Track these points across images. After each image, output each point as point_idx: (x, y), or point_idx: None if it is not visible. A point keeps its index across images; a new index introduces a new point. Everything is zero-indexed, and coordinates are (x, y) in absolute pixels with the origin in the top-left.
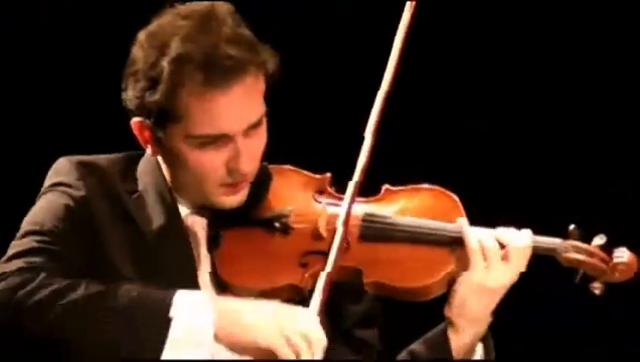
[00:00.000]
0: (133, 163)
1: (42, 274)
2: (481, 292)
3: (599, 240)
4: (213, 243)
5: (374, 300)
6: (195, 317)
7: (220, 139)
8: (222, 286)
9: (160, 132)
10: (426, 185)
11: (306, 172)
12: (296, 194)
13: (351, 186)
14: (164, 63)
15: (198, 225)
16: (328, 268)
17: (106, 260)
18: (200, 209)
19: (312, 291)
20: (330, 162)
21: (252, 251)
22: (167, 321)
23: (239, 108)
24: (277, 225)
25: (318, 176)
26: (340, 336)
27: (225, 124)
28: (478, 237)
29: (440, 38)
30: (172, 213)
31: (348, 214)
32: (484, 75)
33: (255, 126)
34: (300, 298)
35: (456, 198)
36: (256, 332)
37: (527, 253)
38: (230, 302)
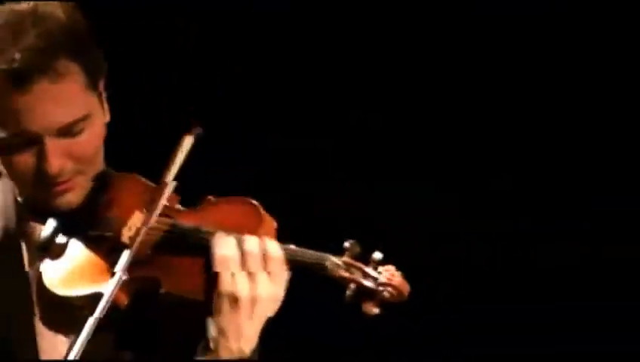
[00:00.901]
0: None
1: None
2: (231, 303)
3: (376, 256)
4: (41, 251)
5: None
6: None
7: (25, 140)
8: (46, 296)
9: None
10: (240, 198)
11: (147, 182)
12: (127, 202)
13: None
14: None
15: (37, 234)
16: (96, 313)
17: None
18: (43, 214)
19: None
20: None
21: (74, 259)
22: None
23: (40, 110)
24: (92, 234)
25: (155, 186)
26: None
27: (25, 123)
28: (221, 243)
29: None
30: (10, 228)
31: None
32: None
33: (69, 129)
34: (117, 306)
35: (259, 210)
36: None
37: (278, 262)
38: None
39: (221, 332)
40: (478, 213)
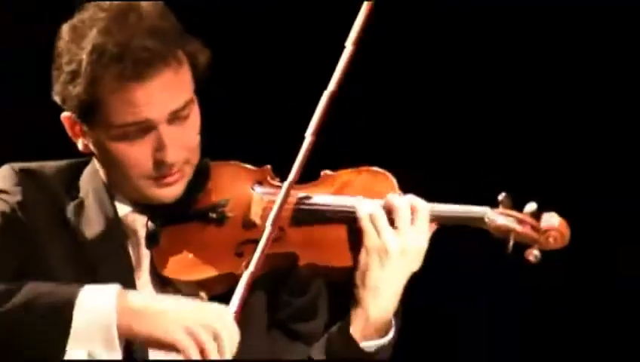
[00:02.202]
0: (79, 170)
1: None
2: (380, 257)
3: (530, 207)
4: (151, 240)
5: (320, 294)
6: (97, 305)
7: (141, 129)
8: (162, 284)
9: (85, 125)
10: (362, 167)
11: (248, 165)
12: (234, 186)
13: (285, 185)
14: (83, 56)
15: (139, 223)
16: (252, 267)
17: (42, 267)
18: (140, 206)
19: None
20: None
21: (189, 244)
22: (70, 311)
23: (158, 98)
24: (212, 215)
25: (258, 168)
26: (278, 328)
27: (143, 112)
28: (364, 206)
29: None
30: (109, 216)
31: (277, 215)
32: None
33: (179, 113)
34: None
35: (390, 176)
36: (157, 325)
37: (423, 216)
38: (136, 295)
39: (371, 289)
40: None
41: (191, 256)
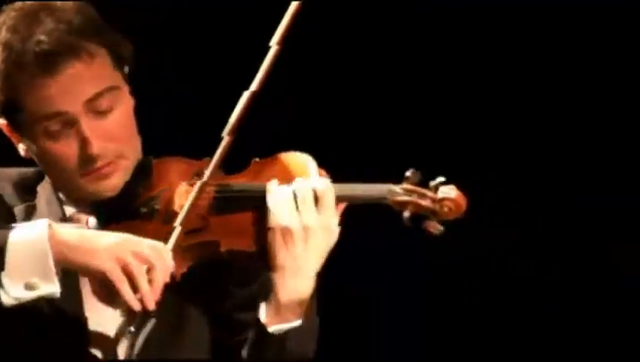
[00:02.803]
0: (38, 177)
1: None
2: (284, 237)
3: (433, 182)
4: None
5: (267, 283)
6: (30, 237)
7: (62, 124)
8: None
9: (15, 128)
10: (284, 153)
11: (190, 160)
12: (172, 180)
13: (198, 185)
14: None
15: (84, 222)
16: (169, 245)
17: None
18: (84, 205)
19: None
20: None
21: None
22: (4, 247)
23: (70, 89)
24: (143, 210)
25: (197, 161)
26: (220, 319)
27: (57, 104)
28: (271, 189)
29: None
30: (57, 217)
31: (186, 214)
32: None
33: (96, 105)
34: (173, 282)
35: (306, 159)
36: (90, 254)
37: (327, 196)
38: (68, 227)
39: (278, 269)
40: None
41: None
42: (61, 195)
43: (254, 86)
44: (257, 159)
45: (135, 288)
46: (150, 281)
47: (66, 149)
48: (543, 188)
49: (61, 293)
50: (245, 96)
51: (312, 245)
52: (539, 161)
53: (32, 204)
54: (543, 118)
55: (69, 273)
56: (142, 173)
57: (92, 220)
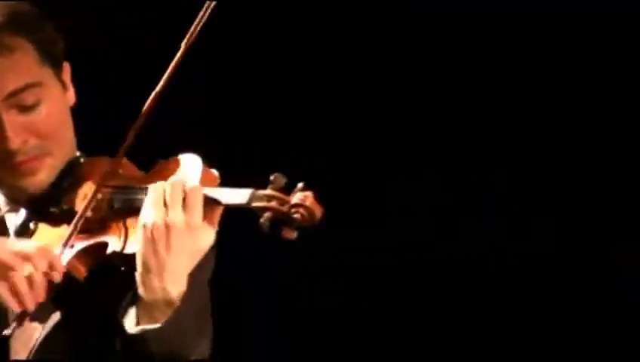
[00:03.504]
0: None
1: None
2: (145, 232)
3: (298, 186)
4: (20, 235)
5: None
6: None
7: None
8: None
9: None
10: (183, 154)
11: (113, 159)
12: (90, 178)
13: (93, 187)
14: None
15: (15, 219)
16: (58, 250)
17: None
18: (15, 203)
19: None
20: None
21: (42, 239)
22: None
23: None
24: (53, 210)
25: (112, 159)
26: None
27: None
28: (150, 189)
29: None
30: None
31: (81, 215)
32: None
33: (19, 99)
34: (70, 283)
35: (193, 158)
36: None
37: (193, 195)
38: None
39: (144, 267)
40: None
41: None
42: None
43: (160, 87)
44: (162, 160)
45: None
46: (31, 282)
47: None
48: (543, 188)
49: None
50: (151, 96)
51: (176, 244)
52: (539, 161)
53: None
54: (542, 118)
55: None
56: (67, 172)
57: (18, 220)
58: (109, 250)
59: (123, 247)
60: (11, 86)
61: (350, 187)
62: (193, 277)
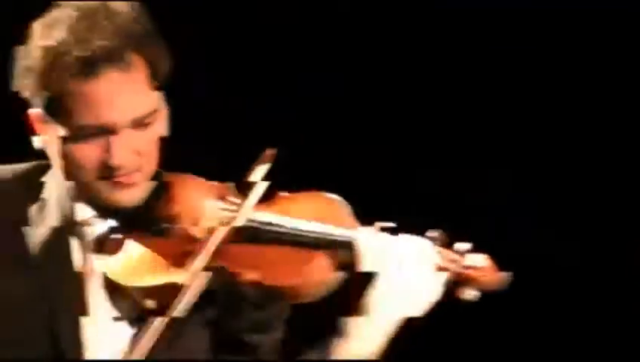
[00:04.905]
0: (41, 171)
1: None
2: (376, 291)
3: (462, 246)
4: (101, 245)
5: (281, 310)
6: None
7: (98, 131)
8: (112, 289)
9: (43, 122)
10: (314, 192)
11: (205, 181)
12: (192, 201)
13: (231, 224)
14: (42, 51)
15: (96, 228)
16: (188, 278)
17: None
18: (100, 211)
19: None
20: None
21: (140, 253)
22: None
23: (116, 100)
24: (162, 226)
25: (220, 184)
26: (231, 342)
27: (105, 115)
28: (367, 240)
29: None
30: (65, 218)
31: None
32: None
33: (142, 120)
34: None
35: (341, 202)
36: None
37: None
38: None
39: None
40: None
41: (140, 264)
42: (72, 194)
43: None
44: (282, 193)
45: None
46: None
47: (90, 152)
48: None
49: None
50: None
51: (393, 306)
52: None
53: (42, 202)
54: (549, 119)
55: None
56: (158, 188)
57: (103, 230)
58: (246, 278)
59: (257, 276)
60: (137, 111)
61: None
62: None
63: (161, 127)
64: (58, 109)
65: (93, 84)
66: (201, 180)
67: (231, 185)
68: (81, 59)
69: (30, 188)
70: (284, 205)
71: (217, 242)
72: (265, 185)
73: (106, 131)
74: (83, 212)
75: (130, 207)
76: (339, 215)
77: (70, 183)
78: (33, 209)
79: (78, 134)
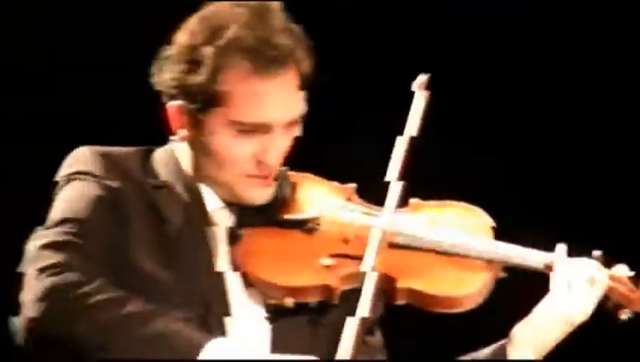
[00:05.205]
0: (147, 157)
1: (82, 276)
2: (559, 319)
3: (622, 268)
4: (234, 238)
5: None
6: None
7: (258, 129)
8: (246, 282)
9: (200, 116)
10: (452, 201)
11: (327, 181)
12: (324, 200)
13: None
14: (214, 46)
15: (223, 220)
16: (362, 312)
17: (127, 254)
18: (228, 204)
19: (345, 296)
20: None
21: (276, 249)
22: None
23: (283, 100)
24: (306, 226)
25: (342, 185)
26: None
27: (269, 114)
28: (564, 263)
29: None
30: (198, 207)
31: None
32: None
33: (294, 122)
34: (329, 301)
35: (485, 214)
36: None
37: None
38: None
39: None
40: None
41: (278, 260)
42: (202, 185)
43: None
44: (417, 200)
45: None
46: None
47: (246, 149)
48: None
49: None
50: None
51: (563, 330)
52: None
53: (163, 187)
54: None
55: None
56: (284, 186)
57: (235, 223)
58: (400, 285)
59: (412, 283)
60: (296, 112)
61: None
62: None
63: (300, 128)
64: (218, 105)
65: (267, 83)
66: (323, 180)
67: (352, 186)
68: (263, 57)
69: (146, 172)
70: (423, 211)
71: (378, 244)
72: (400, 185)
73: (263, 130)
74: (208, 203)
75: (262, 203)
76: (484, 227)
77: (198, 173)
78: (158, 194)
79: (238, 132)
